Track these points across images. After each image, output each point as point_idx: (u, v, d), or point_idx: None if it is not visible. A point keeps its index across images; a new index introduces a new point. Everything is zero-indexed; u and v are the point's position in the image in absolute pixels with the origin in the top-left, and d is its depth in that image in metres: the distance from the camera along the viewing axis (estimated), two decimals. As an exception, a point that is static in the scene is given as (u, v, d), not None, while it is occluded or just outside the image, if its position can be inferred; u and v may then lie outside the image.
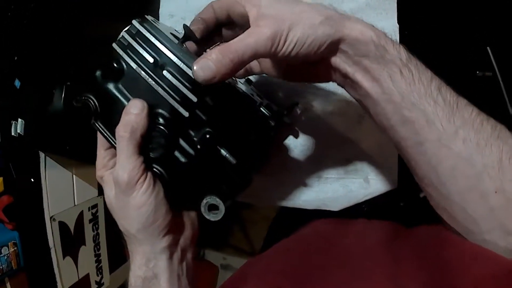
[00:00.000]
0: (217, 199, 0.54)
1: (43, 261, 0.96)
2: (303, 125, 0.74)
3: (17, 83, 0.92)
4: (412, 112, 0.45)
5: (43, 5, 0.87)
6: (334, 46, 0.46)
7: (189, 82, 0.50)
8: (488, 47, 0.73)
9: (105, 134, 0.56)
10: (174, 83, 0.50)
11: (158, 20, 0.79)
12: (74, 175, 0.99)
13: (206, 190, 0.54)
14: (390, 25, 0.72)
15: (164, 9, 0.80)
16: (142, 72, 0.52)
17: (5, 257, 0.96)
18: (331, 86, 0.72)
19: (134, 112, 0.50)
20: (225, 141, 0.54)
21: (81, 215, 1.00)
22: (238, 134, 0.57)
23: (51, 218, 0.94)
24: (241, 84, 0.62)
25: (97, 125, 0.56)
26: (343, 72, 0.49)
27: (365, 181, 0.73)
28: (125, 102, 0.53)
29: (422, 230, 0.60)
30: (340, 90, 0.69)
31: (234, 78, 0.60)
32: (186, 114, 0.51)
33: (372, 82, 0.46)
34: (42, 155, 0.94)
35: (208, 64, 0.45)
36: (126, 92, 0.54)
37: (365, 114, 0.67)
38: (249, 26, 0.47)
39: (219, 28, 0.56)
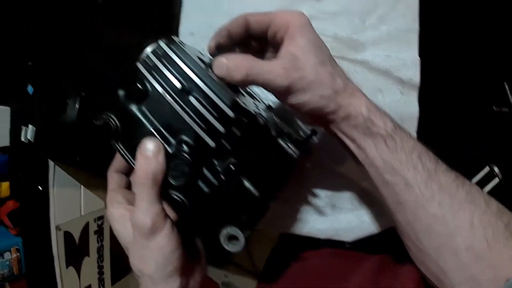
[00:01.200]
0: (238, 230, 0.53)
1: (46, 269, 0.96)
2: (321, 154, 0.73)
3: (30, 89, 0.91)
4: (393, 177, 0.51)
5: (62, 13, 0.87)
6: (329, 115, 0.52)
7: (216, 111, 0.50)
8: (505, 83, 0.74)
9: (125, 156, 0.55)
10: (201, 111, 0.50)
11: (178, 37, 0.79)
12: (82, 185, 0.98)
13: (225, 220, 0.54)
14: (411, 57, 0.73)
15: (184, 26, 0.79)
16: (168, 97, 0.51)
17: (7, 262, 0.96)
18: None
19: (151, 156, 0.50)
20: (248, 172, 0.53)
21: (86, 226, 1.00)
22: (260, 166, 0.56)
23: (56, 227, 0.94)
24: (262, 111, 0.62)
25: (117, 145, 0.55)
26: (333, 131, 0.56)
27: (380, 213, 0.73)
28: (148, 126, 0.53)
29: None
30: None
31: (258, 108, 0.60)
32: (212, 144, 0.51)
33: (358, 149, 0.54)
34: (51, 163, 0.93)
35: (222, 67, 0.50)
36: (149, 115, 0.53)
37: None
38: (276, 49, 0.54)
39: (245, 40, 0.58)
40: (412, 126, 0.72)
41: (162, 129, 0.53)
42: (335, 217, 0.75)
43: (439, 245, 0.50)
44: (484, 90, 0.75)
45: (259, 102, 0.67)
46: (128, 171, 0.62)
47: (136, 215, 0.50)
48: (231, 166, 0.52)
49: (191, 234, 0.57)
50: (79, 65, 0.86)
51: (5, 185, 0.99)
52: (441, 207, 0.48)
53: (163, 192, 0.51)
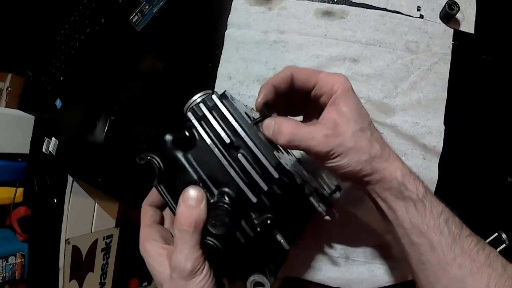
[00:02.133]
0: (265, 279, 0.57)
1: (48, 279, 0.98)
2: (342, 207, 0.78)
3: (58, 102, 0.94)
4: (420, 239, 0.53)
5: (105, 34, 0.90)
6: (364, 177, 0.54)
7: (261, 169, 0.53)
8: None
9: (167, 199, 0.58)
10: (247, 168, 0.53)
11: (215, 80, 0.82)
12: (96, 204, 1.01)
13: (254, 267, 0.58)
14: (436, 125, 0.78)
15: (223, 69, 0.83)
16: (216, 150, 0.55)
17: (11, 266, 0.98)
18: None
19: (194, 205, 0.52)
20: (281, 225, 0.56)
21: (95, 243, 1.02)
22: (292, 220, 0.60)
23: (66, 240, 0.96)
24: (293, 164, 0.65)
25: (159, 188, 0.58)
26: (367, 191, 0.57)
27: (390, 268, 0.77)
28: (193, 174, 0.56)
29: None
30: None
31: (292, 161, 0.63)
32: (254, 200, 0.54)
33: (389, 210, 0.56)
34: (70, 179, 0.96)
35: (269, 128, 0.55)
36: (194, 164, 0.56)
37: None
38: (317, 106, 0.57)
39: (289, 93, 0.60)
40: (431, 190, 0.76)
41: (206, 178, 0.56)
42: (347, 268, 0.78)
43: None
44: (501, 161, 0.79)
45: (290, 155, 0.71)
46: (162, 205, 0.65)
47: (177, 258, 0.53)
48: (268, 220, 0.55)
49: (222, 276, 0.60)
50: (112, 89, 0.88)
51: (20, 191, 1.02)
52: (461, 270, 0.51)
53: (202, 237, 0.54)
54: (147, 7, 0.87)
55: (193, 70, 0.86)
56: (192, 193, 0.53)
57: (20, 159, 1.02)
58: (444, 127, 0.78)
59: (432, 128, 0.77)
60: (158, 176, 0.58)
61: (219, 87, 0.82)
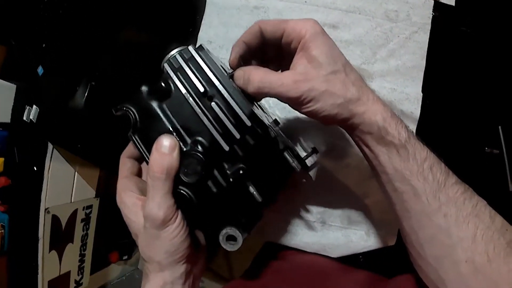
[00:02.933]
0: (237, 231, 0.57)
1: (28, 250, 0.97)
2: (318, 171, 0.79)
3: (40, 70, 0.93)
4: (403, 185, 0.53)
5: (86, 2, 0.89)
6: (344, 122, 0.54)
7: (234, 118, 0.54)
8: (500, 127, 0.79)
9: (141, 149, 0.59)
10: (220, 116, 0.54)
11: (196, 43, 0.83)
12: (76, 172, 1.00)
13: (226, 221, 0.58)
14: (414, 92, 0.79)
15: (203, 34, 0.84)
16: (190, 99, 0.56)
17: (-10, 238, 0.97)
18: (352, 142, 0.77)
19: (167, 152, 0.53)
20: (253, 178, 0.57)
21: (74, 213, 1.02)
22: (265, 174, 0.60)
23: (46, 209, 0.95)
24: (269, 124, 0.66)
25: (133, 138, 0.59)
26: (353, 136, 0.57)
27: (366, 234, 0.78)
28: (167, 123, 0.57)
29: (397, 281, 0.70)
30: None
31: (270, 122, 0.64)
32: (226, 148, 0.55)
33: (371, 154, 0.55)
34: (50, 146, 0.95)
35: (239, 79, 0.56)
36: (169, 113, 0.57)
37: None
38: (290, 57, 0.56)
39: (262, 48, 0.60)
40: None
41: (179, 127, 0.57)
42: (323, 233, 0.79)
43: (440, 254, 0.51)
44: (479, 131, 0.80)
45: (267, 116, 0.72)
46: (140, 157, 0.65)
47: (149, 207, 0.54)
48: (240, 170, 0.56)
49: (194, 228, 0.61)
50: (93, 55, 0.88)
51: (0, 160, 1.01)
52: (446, 219, 0.50)
53: (174, 187, 0.55)
54: None
55: (173, 35, 0.86)
56: (165, 141, 0.54)
57: (0, 128, 1.02)
58: (422, 94, 0.79)
59: (410, 95, 0.78)
60: (133, 126, 0.58)
61: (199, 51, 0.82)
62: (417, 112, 0.78)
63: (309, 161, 0.76)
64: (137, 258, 1.36)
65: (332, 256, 0.79)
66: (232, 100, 0.54)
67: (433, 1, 0.82)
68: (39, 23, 0.96)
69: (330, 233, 0.79)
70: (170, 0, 0.88)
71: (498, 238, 0.49)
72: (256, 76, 0.54)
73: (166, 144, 0.53)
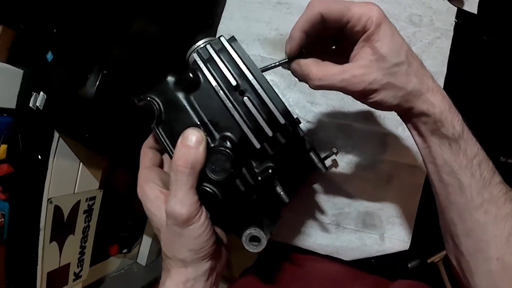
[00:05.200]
0: (261, 232, 0.56)
1: (28, 240, 0.95)
2: (335, 173, 0.78)
3: (49, 56, 0.91)
4: (450, 177, 0.54)
5: None
6: (402, 111, 0.55)
7: (267, 115, 0.52)
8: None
9: (164, 141, 0.56)
10: (252, 112, 0.52)
11: (215, 35, 0.81)
12: (81, 163, 0.98)
13: (250, 221, 0.56)
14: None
15: (224, 26, 0.83)
16: (221, 92, 0.53)
17: (-11, 226, 0.94)
18: (373, 142, 0.77)
19: (193, 146, 0.51)
20: (281, 178, 0.55)
21: (77, 204, 1.00)
22: (292, 174, 0.59)
23: (48, 200, 0.93)
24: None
25: (157, 130, 0.56)
26: (403, 121, 0.58)
27: (380, 238, 0.78)
28: (194, 117, 0.55)
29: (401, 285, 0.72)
30: (378, 150, 0.75)
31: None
32: (258, 145, 0.53)
33: (423, 144, 0.56)
34: (56, 135, 0.93)
35: (298, 73, 0.55)
36: (197, 106, 0.55)
37: (394, 174, 0.75)
38: (349, 43, 0.54)
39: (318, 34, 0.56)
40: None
41: (208, 122, 0.55)
42: (337, 235, 0.79)
43: (474, 249, 0.54)
44: (495, 139, 0.80)
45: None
46: (162, 149, 0.63)
47: (171, 204, 0.51)
48: (270, 169, 0.54)
49: (217, 226, 0.59)
50: (106, 44, 0.86)
51: (3, 147, 0.98)
52: (486, 216, 0.52)
53: (200, 183, 0.52)
54: None
55: (193, 26, 0.84)
56: (192, 134, 0.51)
57: (5, 114, 0.99)
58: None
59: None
60: (157, 118, 0.56)
61: (219, 44, 0.81)
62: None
63: (327, 162, 0.75)
64: (137, 252, 1.35)
65: (345, 259, 0.78)
66: (265, 95, 0.52)
67: (456, 8, 0.81)
68: (50, 6, 0.94)
69: (344, 235, 0.79)
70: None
71: None
72: (317, 71, 0.52)
73: (192, 137, 0.51)
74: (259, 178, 0.54)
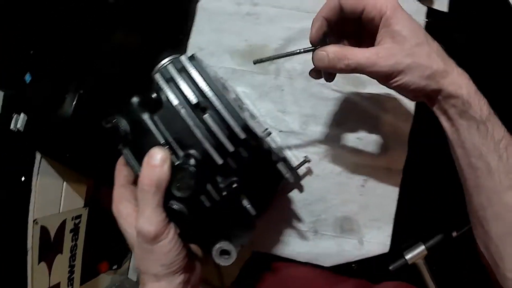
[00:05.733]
0: (230, 245, 0.58)
1: (17, 262, 0.97)
2: (310, 181, 0.81)
3: (27, 77, 0.94)
4: (479, 161, 0.56)
5: (77, 4, 0.90)
6: (430, 93, 0.57)
7: (228, 130, 0.55)
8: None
9: (131, 163, 0.59)
10: (213, 129, 0.55)
11: (186, 51, 0.84)
12: (64, 182, 1.01)
13: (219, 235, 0.59)
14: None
15: (194, 40, 0.85)
16: (182, 111, 0.56)
17: (-24, 250, 0.97)
18: (346, 147, 0.80)
19: (157, 164, 0.53)
20: (247, 191, 0.58)
21: (63, 223, 1.02)
22: (259, 186, 0.61)
23: (34, 220, 0.95)
24: (262, 135, 0.67)
25: (124, 151, 0.59)
26: (431, 107, 0.60)
27: (359, 243, 0.80)
28: (159, 136, 0.57)
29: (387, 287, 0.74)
30: (351, 154, 0.78)
31: (263, 132, 0.65)
32: (220, 161, 0.56)
33: (452, 128, 0.58)
34: (38, 156, 0.96)
35: (324, 59, 0.58)
36: (161, 126, 0.57)
37: (369, 178, 0.78)
38: (370, 33, 0.59)
39: (340, 22, 0.61)
40: (400, 163, 0.81)
41: (172, 140, 0.57)
42: (316, 242, 0.81)
43: (504, 232, 0.55)
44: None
45: (260, 126, 0.73)
46: None
47: (140, 222, 0.54)
48: (234, 184, 0.57)
49: (187, 241, 0.61)
50: (82, 63, 0.89)
51: (-14, 170, 1.01)
52: None
53: (166, 201, 0.55)
54: None
55: (164, 42, 0.87)
56: (156, 153, 0.54)
57: (-13, 137, 1.02)
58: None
59: (402, 101, 0.80)
60: (123, 139, 0.59)
61: (190, 59, 0.83)
62: (410, 118, 0.81)
63: (301, 170, 0.78)
64: (127, 267, 1.37)
65: (325, 265, 0.81)
66: (225, 112, 0.55)
67: (425, 8, 0.83)
68: (27, 28, 0.96)
69: (322, 242, 0.81)
70: (160, 7, 0.88)
71: None
72: (342, 54, 0.56)
73: (157, 156, 0.53)
74: (224, 193, 0.57)
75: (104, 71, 0.90)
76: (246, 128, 0.56)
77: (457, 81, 0.55)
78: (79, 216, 1.07)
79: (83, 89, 0.87)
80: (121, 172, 0.64)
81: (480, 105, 0.55)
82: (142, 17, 0.89)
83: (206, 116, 0.56)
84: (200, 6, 0.86)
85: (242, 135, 0.55)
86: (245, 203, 0.58)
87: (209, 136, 0.56)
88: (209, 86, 0.56)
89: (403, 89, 0.57)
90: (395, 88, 0.58)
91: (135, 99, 0.59)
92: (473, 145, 0.55)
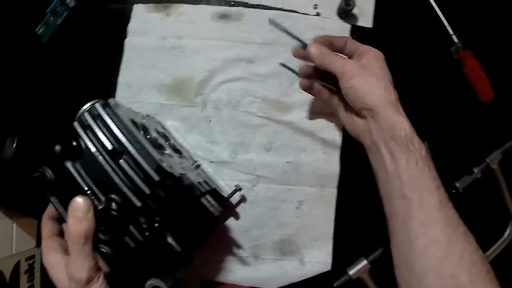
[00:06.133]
0: (161, 282, 0.62)
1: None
2: (246, 208, 0.85)
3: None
4: (413, 193, 0.60)
5: (12, 46, 0.93)
6: (377, 122, 0.66)
7: (143, 174, 0.59)
8: (425, 142, 0.85)
9: (59, 210, 0.63)
10: (129, 173, 0.59)
11: (116, 89, 0.87)
12: (14, 223, 1.03)
13: (150, 272, 0.63)
14: (335, 119, 0.85)
15: (123, 78, 0.88)
16: (100, 157, 0.60)
17: None
18: (276, 172, 0.85)
19: (82, 217, 0.57)
20: (171, 228, 0.62)
21: (17, 264, 1.04)
22: (184, 222, 0.65)
23: (-14, 265, 0.98)
24: (189, 171, 0.71)
25: (51, 199, 0.63)
26: (374, 141, 0.67)
27: (301, 263, 0.84)
28: (82, 183, 0.60)
29: None
30: (282, 178, 0.83)
31: (184, 169, 0.69)
32: (138, 203, 0.59)
33: (391, 159, 0.63)
34: (-16, 199, 0.98)
35: (311, 52, 0.71)
36: (82, 173, 0.61)
37: (303, 200, 0.83)
38: None
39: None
40: (333, 183, 0.86)
41: (93, 186, 0.61)
42: (257, 267, 0.85)
43: (429, 266, 0.58)
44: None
45: (187, 160, 0.77)
46: (61, 218, 0.68)
47: (71, 269, 0.58)
48: (155, 224, 0.61)
49: (120, 282, 0.65)
50: (21, 106, 0.92)
51: None
52: (442, 234, 0.58)
53: (94, 244, 0.59)
54: (52, 18, 0.92)
55: (96, 81, 0.90)
56: (79, 204, 0.58)
57: None
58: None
59: (330, 123, 0.86)
60: (50, 188, 0.63)
61: (120, 96, 0.88)
62: (339, 138, 0.86)
63: (234, 199, 0.82)
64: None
65: (269, 288, 0.85)
66: (139, 155, 0.59)
67: (349, 26, 0.89)
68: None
69: (264, 266, 0.85)
70: (91, 46, 0.92)
71: (481, 264, 0.57)
72: (322, 53, 0.71)
73: (80, 207, 0.58)
74: (147, 233, 0.61)
75: (41, 112, 0.93)
76: (160, 169, 0.59)
77: (403, 118, 0.64)
78: (32, 257, 1.09)
79: (23, 132, 0.90)
80: (47, 225, 0.69)
81: (419, 144, 0.62)
82: (74, 57, 0.93)
83: (122, 161, 0.59)
84: (127, 42, 0.90)
85: (156, 177, 0.59)
86: (170, 240, 0.62)
87: (127, 180, 0.59)
88: (122, 132, 0.60)
89: (354, 98, 0.67)
90: (347, 94, 0.68)
91: (57, 148, 0.62)
92: (410, 178, 0.61)
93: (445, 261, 0.58)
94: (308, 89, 0.80)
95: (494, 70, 0.90)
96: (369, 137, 0.68)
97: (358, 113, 0.69)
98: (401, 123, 0.63)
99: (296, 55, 0.77)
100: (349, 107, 0.71)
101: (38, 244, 1.11)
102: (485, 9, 0.93)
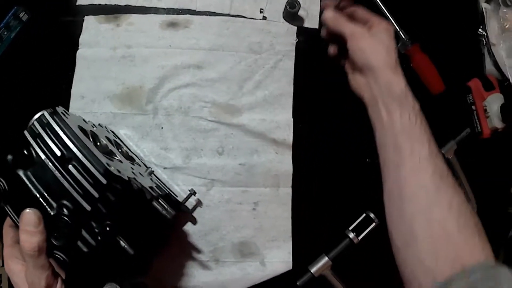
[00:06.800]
0: (117, 286, 0.67)
1: None
2: (202, 212, 0.91)
3: None
4: (404, 142, 0.68)
5: None
6: (376, 79, 0.74)
7: (92, 178, 0.64)
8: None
9: (14, 218, 0.67)
10: (78, 178, 0.63)
11: (70, 99, 0.92)
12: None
13: (107, 277, 0.67)
14: (285, 119, 0.94)
15: (76, 89, 0.93)
16: (50, 164, 0.64)
17: None
18: (230, 175, 0.91)
19: (33, 230, 0.62)
20: (124, 232, 0.67)
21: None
22: (136, 226, 0.70)
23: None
24: (142, 177, 0.77)
25: (6, 208, 0.67)
26: (373, 96, 0.75)
27: (262, 264, 0.90)
28: (34, 190, 0.64)
29: None
30: (236, 181, 0.89)
31: (134, 174, 0.74)
32: (88, 208, 0.64)
33: (387, 113, 0.72)
34: None
35: (324, 17, 0.82)
36: (34, 180, 0.65)
37: (259, 201, 0.88)
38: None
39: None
40: (287, 182, 0.92)
41: (45, 193, 0.65)
42: (219, 270, 0.90)
43: (417, 211, 0.64)
44: (356, 144, 0.95)
45: (140, 166, 0.83)
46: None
47: (30, 278, 0.63)
48: (107, 227, 0.65)
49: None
50: None
51: None
52: (431, 181, 0.64)
53: (49, 251, 0.63)
54: (5, 33, 0.97)
55: (50, 93, 0.95)
56: (29, 217, 0.62)
57: None
58: (292, 120, 0.93)
59: (280, 123, 0.93)
60: (4, 197, 0.66)
61: (73, 107, 0.93)
62: (289, 138, 0.93)
63: (190, 203, 0.88)
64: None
65: (233, 291, 0.89)
66: (86, 160, 0.63)
67: (295, 28, 0.96)
68: None
69: (225, 269, 0.90)
70: (44, 58, 0.97)
71: (470, 216, 0.63)
72: (335, 18, 0.80)
73: (30, 220, 0.62)
74: (99, 237, 0.65)
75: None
76: (107, 173, 0.64)
77: (401, 78, 0.72)
78: None
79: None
80: (8, 233, 0.73)
81: (414, 101, 0.71)
82: (28, 70, 0.97)
83: (71, 167, 0.64)
84: (79, 54, 0.95)
85: (104, 181, 0.63)
86: (122, 243, 0.66)
87: (76, 185, 0.64)
88: (70, 139, 0.64)
89: (359, 56, 0.76)
90: (351, 49, 0.77)
91: (9, 157, 0.66)
92: (403, 128, 0.69)
93: (433, 207, 0.63)
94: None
95: (443, 61, 0.99)
96: (369, 93, 0.76)
97: (361, 71, 0.77)
98: (397, 82, 0.71)
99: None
100: (354, 66, 0.79)
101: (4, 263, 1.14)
102: (430, 2, 1.02)
